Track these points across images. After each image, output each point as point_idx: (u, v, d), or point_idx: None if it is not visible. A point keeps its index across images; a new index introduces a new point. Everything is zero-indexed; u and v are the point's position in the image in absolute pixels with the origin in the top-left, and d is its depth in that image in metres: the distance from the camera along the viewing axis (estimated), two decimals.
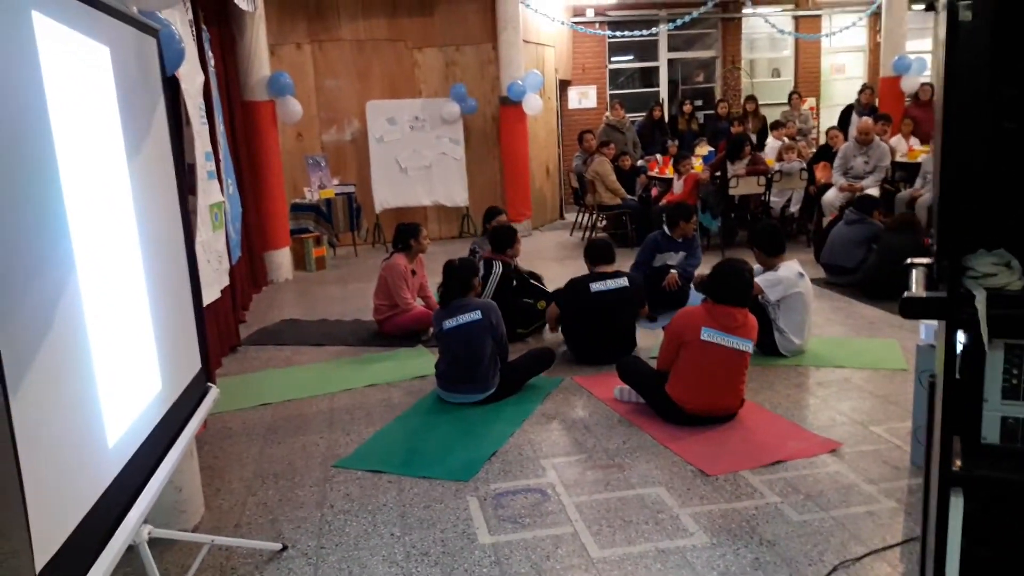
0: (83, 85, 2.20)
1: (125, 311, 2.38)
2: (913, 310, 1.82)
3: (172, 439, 2.68)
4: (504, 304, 5.65)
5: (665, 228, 6.63)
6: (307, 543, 3.24)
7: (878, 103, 11.25)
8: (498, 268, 5.96)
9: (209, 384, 3.35)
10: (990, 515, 1.83)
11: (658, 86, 14.01)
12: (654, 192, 9.78)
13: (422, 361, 5.57)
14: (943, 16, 1.81)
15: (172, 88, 3.77)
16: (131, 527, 2.13)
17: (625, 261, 6.39)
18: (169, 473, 2.49)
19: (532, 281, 6.04)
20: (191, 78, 5.14)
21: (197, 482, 3.50)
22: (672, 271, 6.39)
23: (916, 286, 1.92)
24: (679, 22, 11.84)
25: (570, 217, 11.56)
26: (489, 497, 3.55)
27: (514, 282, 6.02)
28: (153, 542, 2.46)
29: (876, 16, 12.61)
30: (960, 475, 1.80)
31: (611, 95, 13.52)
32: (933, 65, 14.18)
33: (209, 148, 5.62)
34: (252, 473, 3.94)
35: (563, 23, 11.90)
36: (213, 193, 5.57)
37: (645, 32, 12.11)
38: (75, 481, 1.92)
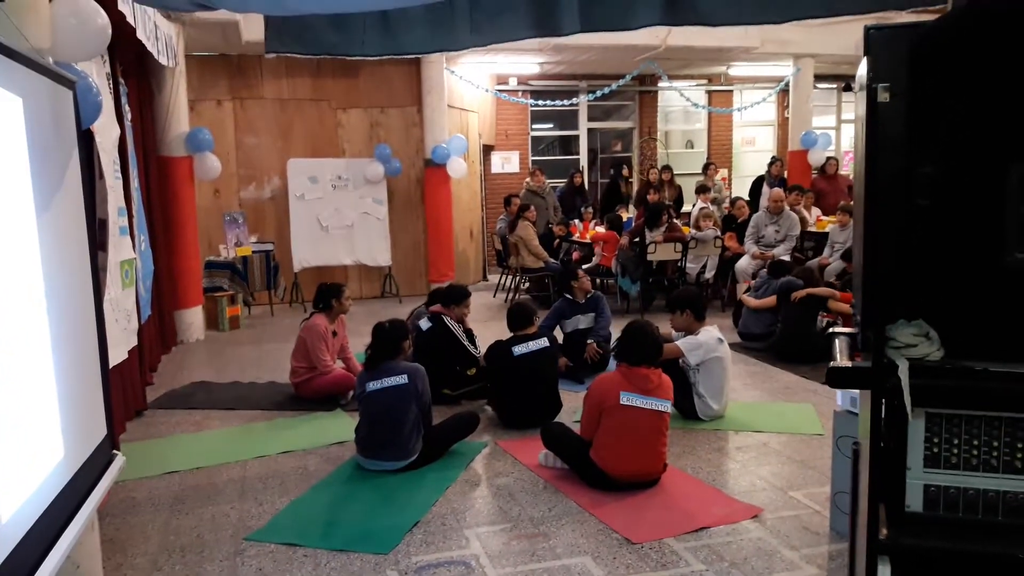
0: None
1: (27, 371, 2.23)
2: (839, 380, 1.86)
3: (73, 511, 2.49)
4: (437, 362, 5.56)
5: (566, 295, 6.71)
6: None
7: (787, 175, 11.78)
8: (454, 324, 5.92)
9: (115, 452, 3.16)
10: None
11: (578, 154, 14.35)
12: (575, 256, 9.91)
13: (341, 426, 5.40)
14: (862, 96, 1.90)
15: (86, 141, 3.63)
16: None
17: None
18: (68, 549, 2.30)
19: (468, 347, 5.94)
20: (106, 131, 4.99)
21: (98, 557, 3.26)
22: (589, 342, 6.42)
23: (840, 355, 1.97)
24: (598, 93, 12.24)
25: (493, 279, 11.59)
26: (410, 571, 3.42)
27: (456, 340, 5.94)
28: None
29: (784, 93, 13.31)
30: (887, 544, 1.82)
31: (533, 161, 13.76)
32: (845, 140, 14.83)
33: (123, 203, 5.44)
34: (157, 547, 3.71)
35: (487, 90, 12.12)
36: (125, 249, 5.37)
37: (566, 102, 12.46)
38: None
